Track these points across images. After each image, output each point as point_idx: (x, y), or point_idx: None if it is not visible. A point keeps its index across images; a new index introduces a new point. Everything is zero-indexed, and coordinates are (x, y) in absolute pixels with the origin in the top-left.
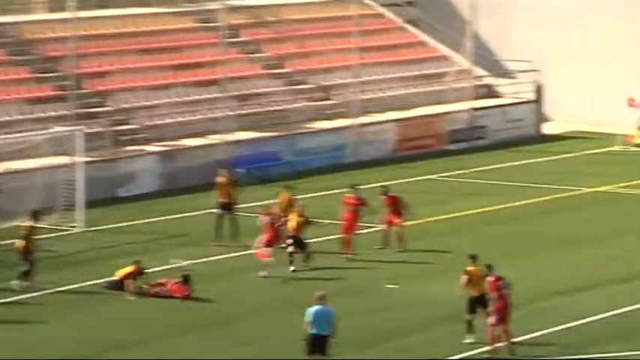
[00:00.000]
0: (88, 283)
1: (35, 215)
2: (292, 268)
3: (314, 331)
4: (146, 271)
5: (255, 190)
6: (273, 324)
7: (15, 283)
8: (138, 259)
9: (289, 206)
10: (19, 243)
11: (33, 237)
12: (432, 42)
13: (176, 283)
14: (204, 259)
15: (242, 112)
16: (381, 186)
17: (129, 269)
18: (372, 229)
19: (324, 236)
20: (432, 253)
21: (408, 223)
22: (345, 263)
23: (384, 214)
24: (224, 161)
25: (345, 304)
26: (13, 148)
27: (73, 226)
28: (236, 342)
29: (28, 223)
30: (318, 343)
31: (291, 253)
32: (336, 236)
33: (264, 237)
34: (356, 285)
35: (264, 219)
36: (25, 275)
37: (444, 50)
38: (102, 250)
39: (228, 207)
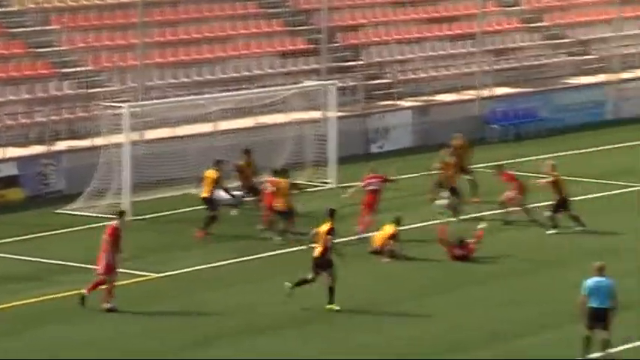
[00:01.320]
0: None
1: (283, 172)
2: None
3: (593, 304)
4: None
5: (506, 148)
6: (540, 284)
7: (276, 238)
8: (398, 216)
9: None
10: (279, 201)
11: (286, 194)
12: None
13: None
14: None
15: (498, 67)
16: None
17: (388, 231)
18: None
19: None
20: None
21: None
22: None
23: None
24: (479, 117)
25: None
26: (264, 102)
27: (326, 182)
28: (502, 301)
29: (280, 180)
30: (597, 317)
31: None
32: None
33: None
34: (614, 246)
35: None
36: (283, 232)
37: None
38: (354, 206)
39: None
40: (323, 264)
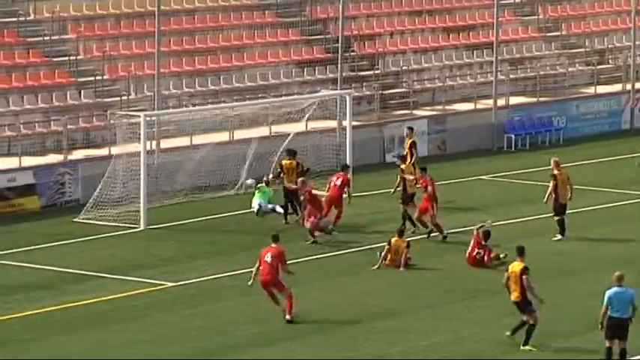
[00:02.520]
0: (359, 248)
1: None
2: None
3: (614, 314)
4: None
5: (523, 157)
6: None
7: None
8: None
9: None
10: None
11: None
12: None
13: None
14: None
15: (515, 76)
16: None
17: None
18: None
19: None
20: None
21: None
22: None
23: None
24: (495, 126)
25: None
26: (281, 111)
27: None
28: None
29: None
30: (618, 327)
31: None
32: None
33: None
34: (628, 256)
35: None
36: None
37: None
38: (371, 215)
39: None
40: (522, 306)
